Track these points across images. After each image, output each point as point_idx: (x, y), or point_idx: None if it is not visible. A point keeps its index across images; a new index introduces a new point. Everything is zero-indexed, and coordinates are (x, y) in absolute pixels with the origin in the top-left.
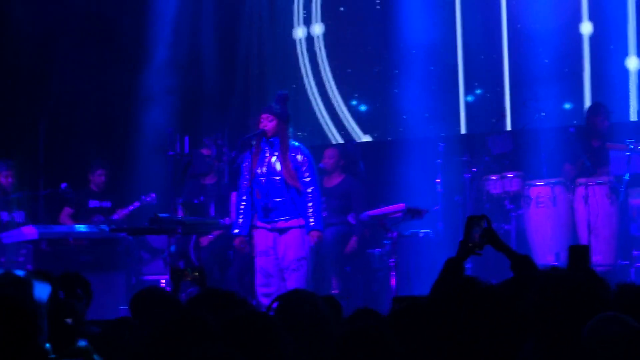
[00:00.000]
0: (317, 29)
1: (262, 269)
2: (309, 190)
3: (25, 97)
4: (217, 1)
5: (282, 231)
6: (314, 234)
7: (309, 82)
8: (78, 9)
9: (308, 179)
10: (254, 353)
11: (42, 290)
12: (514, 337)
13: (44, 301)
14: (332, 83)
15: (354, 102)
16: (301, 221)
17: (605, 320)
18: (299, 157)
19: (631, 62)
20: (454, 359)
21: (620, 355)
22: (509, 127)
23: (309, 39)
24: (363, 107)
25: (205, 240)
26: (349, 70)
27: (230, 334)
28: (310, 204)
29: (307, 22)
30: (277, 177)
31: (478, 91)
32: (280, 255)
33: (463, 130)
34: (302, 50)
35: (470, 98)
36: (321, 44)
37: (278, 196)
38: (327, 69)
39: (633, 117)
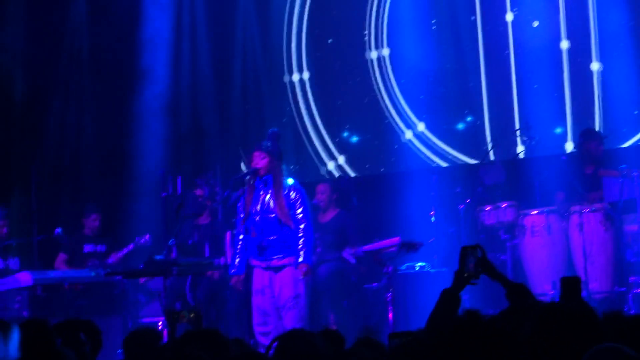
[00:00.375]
0: (305, 75)
1: (259, 308)
2: (301, 226)
3: (17, 144)
4: (211, 44)
5: (277, 269)
6: (302, 267)
7: (299, 119)
8: (70, 58)
9: (300, 216)
10: None
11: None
12: None
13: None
14: (318, 119)
15: (345, 134)
16: (295, 259)
17: (603, 351)
18: (292, 194)
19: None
20: None
21: None
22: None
23: (300, 81)
24: (354, 139)
25: (199, 281)
26: (339, 102)
27: None
28: (301, 241)
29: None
30: (271, 215)
31: (469, 119)
32: (276, 294)
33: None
34: (291, 91)
35: (461, 126)
36: (307, 85)
37: (272, 234)
38: (313, 106)
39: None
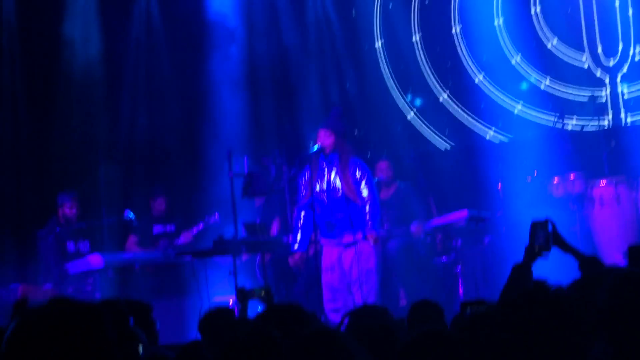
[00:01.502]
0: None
1: (329, 285)
2: (368, 203)
3: (85, 125)
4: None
5: (347, 246)
6: (371, 235)
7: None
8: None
9: (366, 192)
10: None
11: None
12: (584, 340)
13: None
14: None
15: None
16: (364, 234)
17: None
18: (357, 172)
19: None
20: None
21: None
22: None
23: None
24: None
25: (269, 259)
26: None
27: (302, 352)
28: (367, 216)
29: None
30: (338, 193)
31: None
32: (347, 270)
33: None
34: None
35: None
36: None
37: (340, 212)
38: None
39: None
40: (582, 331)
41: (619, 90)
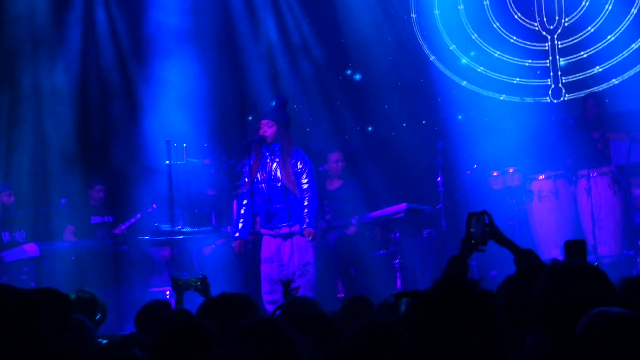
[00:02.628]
0: None
1: (267, 276)
2: (307, 196)
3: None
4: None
5: (285, 237)
6: (308, 230)
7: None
8: None
9: (306, 185)
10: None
11: None
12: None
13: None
14: None
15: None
16: (303, 226)
17: (598, 315)
18: (299, 164)
19: None
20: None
21: (615, 349)
22: None
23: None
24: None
25: (207, 249)
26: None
27: (244, 341)
28: (305, 210)
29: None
30: (278, 184)
31: None
32: (286, 262)
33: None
34: None
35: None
36: None
37: (279, 202)
38: None
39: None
40: (494, 325)
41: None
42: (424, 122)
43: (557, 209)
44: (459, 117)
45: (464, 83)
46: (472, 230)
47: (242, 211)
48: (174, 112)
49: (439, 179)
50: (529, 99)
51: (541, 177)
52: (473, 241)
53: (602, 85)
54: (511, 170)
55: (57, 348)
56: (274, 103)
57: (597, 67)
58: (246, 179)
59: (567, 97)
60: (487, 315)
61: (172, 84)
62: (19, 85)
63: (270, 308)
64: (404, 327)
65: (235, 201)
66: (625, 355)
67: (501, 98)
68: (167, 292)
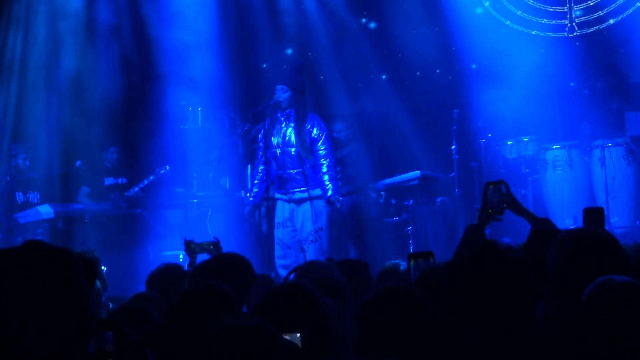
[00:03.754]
0: None
1: (280, 241)
2: (325, 162)
3: (36, 78)
4: None
5: (299, 202)
6: (334, 200)
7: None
8: None
9: (324, 151)
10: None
11: None
12: (531, 298)
13: None
14: None
15: None
16: (318, 192)
17: (605, 282)
18: (315, 130)
19: None
20: (476, 320)
21: (621, 316)
22: None
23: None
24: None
25: (220, 213)
26: None
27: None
28: (326, 176)
29: None
30: (292, 149)
31: None
32: (298, 227)
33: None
34: None
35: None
36: None
37: (293, 167)
38: None
39: None
40: (529, 290)
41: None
42: (437, 70)
43: (571, 178)
44: (473, 66)
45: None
46: (489, 199)
47: (258, 178)
48: (190, 77)
49: (453, 146)
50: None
51: (556, 146)
52: (490, 210)
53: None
54: (526, 139)
55: (92, 307)
56: (288, 67)
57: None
58: (261, 144)
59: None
60: (522, 280)
61: (187, 45)
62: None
63: (282, 272)
64: (443, 292)
65: (249, 166)
66: (630, 322)
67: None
68: (181, 255)
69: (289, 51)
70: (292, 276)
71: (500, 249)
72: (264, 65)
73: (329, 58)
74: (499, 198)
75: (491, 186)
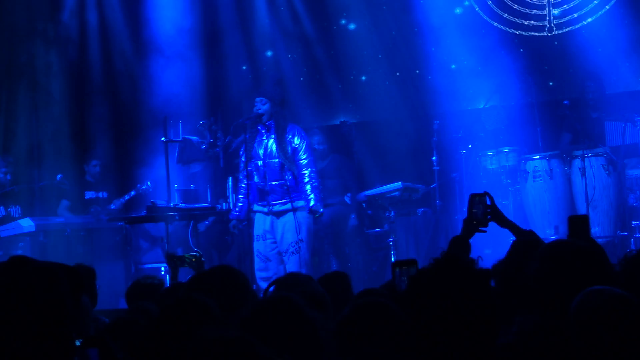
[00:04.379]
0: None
1: (260, 254)
2: (306, 172)
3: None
4: None
5: (278, 214)
6: (315, 211)
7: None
8: None
9: (305, 161)
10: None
11: None
12: (493, 311)
13: None
14: None
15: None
16: (297, 204)
17: (592, 293)
18: (295, 139)
19: None
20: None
21: (609, 328)
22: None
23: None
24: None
25: (201, 226)
26: None
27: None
28: (308, 186)
29: None
30: (274, 160)
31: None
32: (278, 239)
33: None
34: None
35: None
36: None
37: (275, 179)
38: None
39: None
40: (490, 303)
41: None
42: (417, 71)
43: (552, 188)
44: (452, 66)
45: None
46: (473, 210)
47: (242, 192)
48: (171, 89)
49: (434, 157)
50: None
51: (536, 156)
52: (474, 222)
53: None
54: (506, 150)
55: (76, 321)
56: (267, 80)
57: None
58: (242, 158)
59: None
60: (483, 293)
61: (168, 58)
62: (16, 62)
63: (263, 285)
64: (403, 302)
65: (230, 178)
66: (618, 333)
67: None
68: (163, 269)
69: (269, 53)
70: (271, 288)
71: (462, 260)
72: (244, 68)
73: (308, 59)
74: (483, 210)
75: (476, 198)
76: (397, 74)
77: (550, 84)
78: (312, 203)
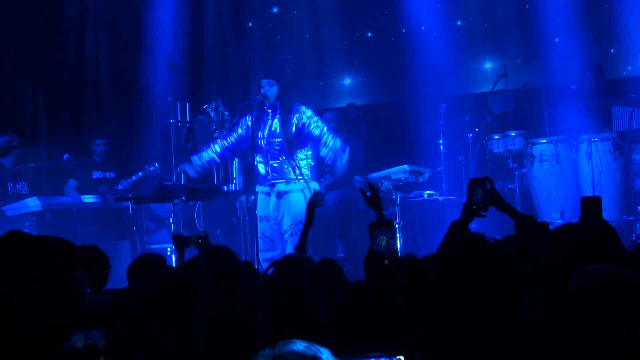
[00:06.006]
0: None
1: (264, 235)
2: (308, 153)
3: (25, 69)
4: None
5: (280, 195)
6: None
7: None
8: None
9: (319, 130)
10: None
11: None
12: (513, 292)
13: None
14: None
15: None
16: (299, 185)
17: (592, 272)
18: (303, 117)
19: None
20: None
21: (606, 306)
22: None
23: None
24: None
25: (208, 207)
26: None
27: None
28: (307, 169)
29: None
30: (277, 140)
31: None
32: (279, 220)
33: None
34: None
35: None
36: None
37: (277, 159)
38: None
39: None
40: (511, 284)
41: None
42: (423, 27)
43: (558, 173)
44: (458, 22)
45: None
46: (473, 195)
47: (235, 169)
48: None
49: (440, 141)
50: None
51: (543, 141)
52: (474, 206)
53: None
54: (513, 134)
55: (70, 297)
56: (273, 62)
57: None
58: (239, 130)
59: None
60: (504, 274)
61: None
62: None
63: (266, 266)
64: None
65: (236, 160)
66: (615, 311)
67: None
68: (169, 249)
69: (275, 10)
70: (270, 270)
71: (485, 242)
72: (250, 25)
73: (314, 16)
74: (483, 194)
75: (476, 183)
76: (403, 30)
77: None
78: (312, 185)
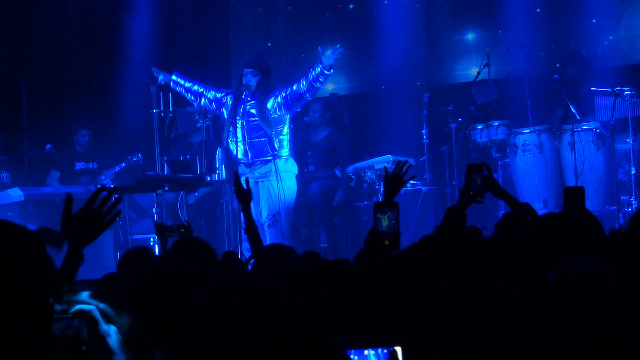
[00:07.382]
0: None
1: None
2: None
3: (7, 58)
4: None
5: (260, 180)
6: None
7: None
8: None
9: (284, 92)
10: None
11: None
12: (495, 280)
13: None
14: None
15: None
16: (276, 168)
17: (570, 263)
18: (278, 98)
19: None
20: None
21: (584, 296)
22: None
23: None
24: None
25: (191, 198)
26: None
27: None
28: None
29: None
30: (254, 119)
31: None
32: (258, 210)
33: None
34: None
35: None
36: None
37: (255, 137)
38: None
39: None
40: (493, 272)
41: None
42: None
43: (541, 162)
44: None
45: None
46: (471, 181)
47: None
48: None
49: (423, 131)
50: None
51: (526, 130)
52: (472, 192)
53: None
54: (496, 124)
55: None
56: (256, 51)
57: None
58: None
59: None
60: (484, 262)
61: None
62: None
63: (247, 255)
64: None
65: (220, 149)
66: (591, 302)
67: None
68: (152, 239)
69: None
70: (252, 261)
71: (467, 230)
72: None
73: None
74: (480, 180)
75: (473, 169)
76: (385, 1)
77: (542, 53)
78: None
